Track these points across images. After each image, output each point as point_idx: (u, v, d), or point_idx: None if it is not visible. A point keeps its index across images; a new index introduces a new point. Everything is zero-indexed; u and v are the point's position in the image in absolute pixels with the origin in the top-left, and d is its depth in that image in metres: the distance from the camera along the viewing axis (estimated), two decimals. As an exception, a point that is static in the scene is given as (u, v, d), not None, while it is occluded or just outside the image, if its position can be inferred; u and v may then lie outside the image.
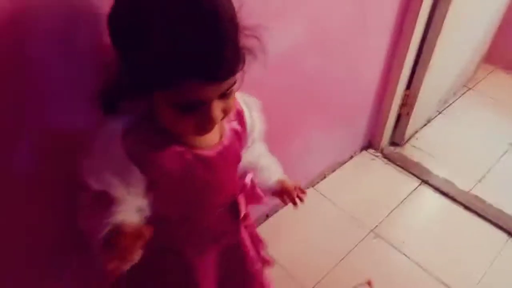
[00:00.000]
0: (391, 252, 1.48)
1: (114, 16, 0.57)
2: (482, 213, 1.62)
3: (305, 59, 1.28)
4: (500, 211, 1.63)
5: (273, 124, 1.40)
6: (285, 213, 1.63)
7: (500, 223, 1.58)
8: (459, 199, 1.68)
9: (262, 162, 0.91)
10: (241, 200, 0.83)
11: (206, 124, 0.62)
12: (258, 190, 0.91)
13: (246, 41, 0.60)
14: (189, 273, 0.80)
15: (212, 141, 0.72)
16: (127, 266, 0.62)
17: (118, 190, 0.65)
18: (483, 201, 1.67)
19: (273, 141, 1.56)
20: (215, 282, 0.86)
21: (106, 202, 0.65)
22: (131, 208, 0.67)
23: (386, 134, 1.91)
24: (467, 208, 1.65)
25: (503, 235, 1.55)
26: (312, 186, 1.75)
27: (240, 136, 0.78)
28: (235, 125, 0.77)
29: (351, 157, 1.90)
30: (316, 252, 1.46)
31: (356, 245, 1.50)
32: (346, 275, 1.38)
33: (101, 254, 0.62)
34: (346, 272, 1.40)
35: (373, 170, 1.85)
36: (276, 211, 1.64)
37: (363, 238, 1.53)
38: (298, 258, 1.43)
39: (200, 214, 0.78)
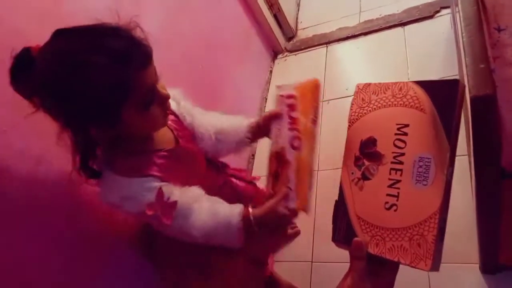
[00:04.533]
0: (340, 100, 1.83)
1: (54, 85, 0.65)
2: (377, 28, 1.96)
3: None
4: (385, 17, 1.98)
5: (206, 77, 1.59)
6: (263, 146, 1.89)
7: (391, 24, 1.92)
8: (357, 32, 2.02)
9: (223, 121, 0.99)
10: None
11: (166, 102, 0.77)
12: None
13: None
14: None
15: (168, 136, 0.87)
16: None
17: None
18: (371, 21, 2.01)
19: (215, 98, 1.77)
20: None
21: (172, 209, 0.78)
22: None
23: (279, 36, 2.19)
24: (366, 33, 1.99)
25: (400, 29, 1.91)
26: (264, 111, 2.02)
27: (180, 122, 0.93)
28: (172, 117, 0.91)
29: (271, 71, 2.18)
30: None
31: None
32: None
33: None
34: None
35: (291, 66, 2.15)
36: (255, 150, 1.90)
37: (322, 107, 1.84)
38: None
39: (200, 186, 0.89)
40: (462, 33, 0.78)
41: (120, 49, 0.66)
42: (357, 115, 0.65)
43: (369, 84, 0.65)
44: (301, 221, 1.49)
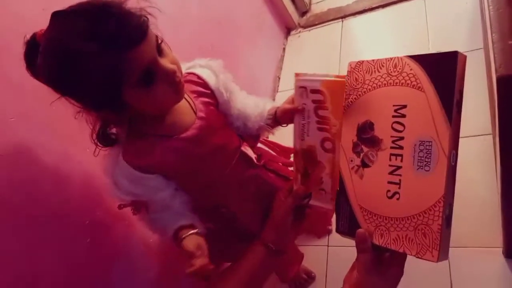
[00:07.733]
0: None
1: (51, 71, 0.65)
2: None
3: None
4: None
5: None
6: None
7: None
8: (375, 5, 1.91)
9: (248, 105, 0.94)
10: (246, 148, 0.93)
11: (171, 77, 0.71)
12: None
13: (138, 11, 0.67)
14: (237, 220, 0.94)
15: (189, 121, 0.81)
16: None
17: (145, 195, 0.80)
18: (390, -9, 1.90)
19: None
20: (261, 220, 0.94)
21: (143, 207, 0.83)
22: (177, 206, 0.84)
23: (292, 11, 2.11)
24: (384, 5, 1.89)
25: (421, 0, 1.79)
26: (277, 92, 1.97)
27: (213, 103, 0.87)
28: (204, 98, 0.86)
29: (284, 49, 2.10)
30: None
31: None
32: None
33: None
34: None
35: (305, 43, 2.07)
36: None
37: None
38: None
39: (219, 176, 0.88)
40: (488, 5, 0.71)
41: (107, 32, 0.62)
42: (352, 97, 0.60)
43: (362, 62, 0.60)
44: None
